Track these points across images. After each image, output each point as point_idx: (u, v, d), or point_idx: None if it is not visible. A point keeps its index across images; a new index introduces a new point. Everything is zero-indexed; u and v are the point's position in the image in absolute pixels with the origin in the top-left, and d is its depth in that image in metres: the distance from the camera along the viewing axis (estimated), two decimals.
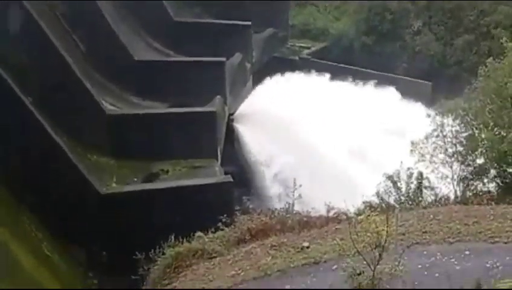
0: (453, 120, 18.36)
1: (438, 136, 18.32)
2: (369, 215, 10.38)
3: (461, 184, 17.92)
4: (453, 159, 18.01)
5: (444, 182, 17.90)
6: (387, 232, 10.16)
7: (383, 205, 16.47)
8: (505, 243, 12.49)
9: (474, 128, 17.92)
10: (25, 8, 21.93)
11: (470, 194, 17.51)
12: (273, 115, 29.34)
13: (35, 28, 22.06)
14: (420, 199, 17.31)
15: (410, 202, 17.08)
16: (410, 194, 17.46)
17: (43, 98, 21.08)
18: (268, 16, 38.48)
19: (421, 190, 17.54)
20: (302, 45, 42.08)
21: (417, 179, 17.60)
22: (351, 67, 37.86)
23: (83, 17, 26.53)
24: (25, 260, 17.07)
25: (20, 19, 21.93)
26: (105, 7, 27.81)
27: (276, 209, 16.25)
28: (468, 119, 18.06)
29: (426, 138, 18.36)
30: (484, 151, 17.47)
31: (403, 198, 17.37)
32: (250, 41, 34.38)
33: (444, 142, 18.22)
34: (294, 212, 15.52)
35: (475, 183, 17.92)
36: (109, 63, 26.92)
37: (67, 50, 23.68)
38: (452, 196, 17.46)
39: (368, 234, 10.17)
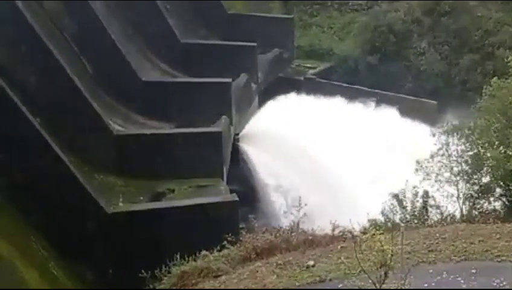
0: (458, 139, 18.43)
1: (443, 155, 18.38)
2: (374, 234, 10.40)
3: (467, 203, 17.93)
4: (458, 177, 18.05)
5: (449, 200, 17.92)
6: (392, 251, 10.18)
7: (389, 223, 16.50)
8: None
9: (479, 147, 17.95)
10: (34, 30, 22.22)
11: (476, 212, 17.52)
12: (278, 135, 29.43)
13: (43, 50, 22.33)
14: (426, 217, 17.31)
15: (415, 221, 17.08)
16: (416, 213, 17.46)
17: (51, 119, 21.31)
18: (274, 37, 38.76)
19: (427, 209, 17.55)
20: (308, 65, 42.24)
21: (422, 197, 17.62)
22: (356, 86, 37.90)
23: (90, 39, 26.84)
24: (31, 278, 17.11)
25: (29, 40, 22.23)
26: (113, 29, 28.11)
27: (281, 227, 16.27)
28: (474, 138, 18.11)
29: (431, 156, 18.42)
30: (490, 170, 17.50)
31: (408, 217, 17.38)
32: (256, 62, 34.58)
33: (449, 161, 18.27)
34: (300, 230, 15.54)
35: (481, 202, 17.94)
36: (116, 84, 27.10)
37: (76, 71, 23.91)
38: (458, 215, 17.46)
39: (374, 252, 10.19)
